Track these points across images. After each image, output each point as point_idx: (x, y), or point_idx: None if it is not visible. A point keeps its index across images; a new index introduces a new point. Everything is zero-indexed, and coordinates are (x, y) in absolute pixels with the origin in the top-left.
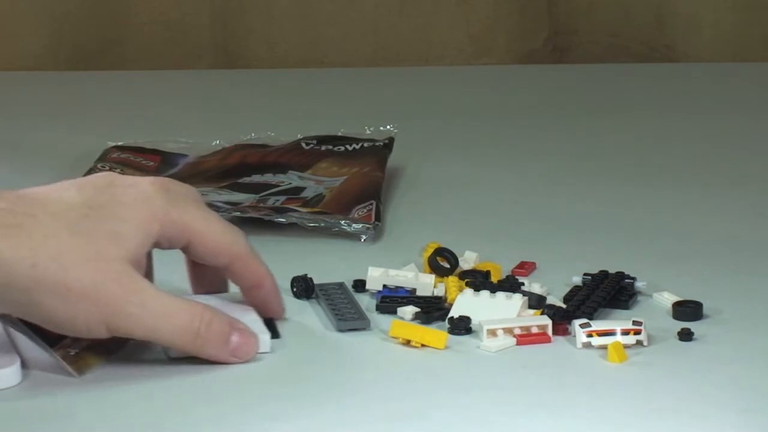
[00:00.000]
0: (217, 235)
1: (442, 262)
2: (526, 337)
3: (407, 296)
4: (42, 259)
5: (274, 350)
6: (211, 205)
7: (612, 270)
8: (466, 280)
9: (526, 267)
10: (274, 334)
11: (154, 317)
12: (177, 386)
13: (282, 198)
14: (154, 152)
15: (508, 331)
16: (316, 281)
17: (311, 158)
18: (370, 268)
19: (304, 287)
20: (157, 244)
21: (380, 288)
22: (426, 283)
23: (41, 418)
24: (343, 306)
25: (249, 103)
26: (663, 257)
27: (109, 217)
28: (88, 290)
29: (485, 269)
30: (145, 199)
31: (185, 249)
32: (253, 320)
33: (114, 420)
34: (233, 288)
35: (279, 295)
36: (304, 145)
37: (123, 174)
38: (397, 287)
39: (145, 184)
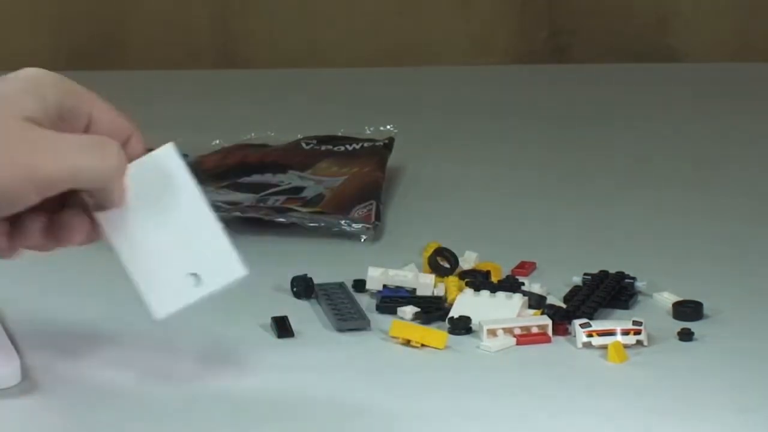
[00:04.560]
0: (114, 109)
1: (442, 262)
2: (526, 337)
3: (407, 296)
4: None
5: (276, 349)
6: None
7: (612, 270)
8: (466, 280)
9: (526, 267)
10: (288, 332)
11: (74, 154)
12: (178, 388)
13: (282, 198)
14: None
15: (508, 331)
16: (316, 281)
17: (311, 158)
18: (370, 268)
19: (304, 287)
20: (60, 113)
21: (380, 288)
22: (426, 283)
23: (41, 418)
24: (343, 306)
25: (249, 103)
26: (663, 257)
27: None
28: None
29: (485, 269)
30: (35, 74)
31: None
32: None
33: (114, 421)
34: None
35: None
36: (304, 145)
37: None
38: (397, 287)
39: (32, 69)
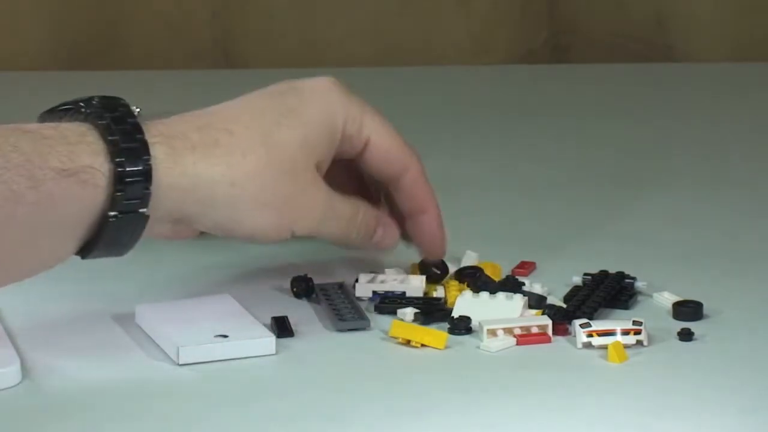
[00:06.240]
0: (394, 139)
1: (433, 268)
2: (526, 337)
3: (408, 297)
4: (240, 177)
5: (276, 349)
6: None
7: (612, 270)
8: (465, 280)
9: (526, 267)
10: (288, 332)
11: (327, 219)
12: (179, 388)
13: None
14: None
15: (508, 331)
16: (316, 281)
17: None
18: (360, 275)
19: (304, 287)
20: (341, 143)
21: (369, 295)
22: (416, 286)
23: (41, 418)
24: (343, 306)
25: None
26: (663, 257)
27: (300, 123)
28: (283, 204)
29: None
30: (328, 95)
31: (359, 154)
32: (250, 322)
33: (114, 420)
34: (227, 290)
35: (442, 229)
36: None
37: None
38: (386, 292)
39: (324, 82)
